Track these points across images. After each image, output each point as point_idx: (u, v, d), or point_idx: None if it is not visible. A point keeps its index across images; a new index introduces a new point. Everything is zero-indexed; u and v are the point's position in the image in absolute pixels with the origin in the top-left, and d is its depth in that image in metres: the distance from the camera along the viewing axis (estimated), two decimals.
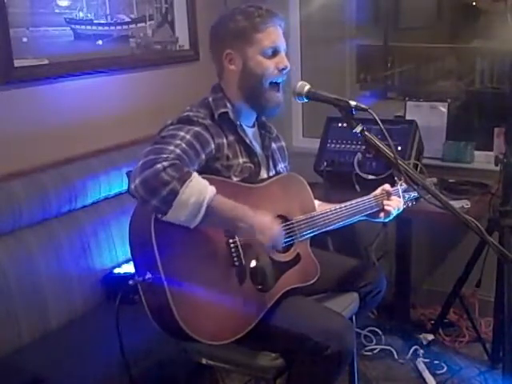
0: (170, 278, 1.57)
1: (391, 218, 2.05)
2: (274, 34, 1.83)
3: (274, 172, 2.00)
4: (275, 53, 1.84)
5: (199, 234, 1.62)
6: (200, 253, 1.64)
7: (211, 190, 1.57)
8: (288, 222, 1.85)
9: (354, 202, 2.00)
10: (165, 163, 1.53)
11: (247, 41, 1.81)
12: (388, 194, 2.06)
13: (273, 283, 1.79)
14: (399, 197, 2.08)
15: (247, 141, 1.87)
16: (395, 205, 2.04)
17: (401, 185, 2.09)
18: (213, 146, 1.75)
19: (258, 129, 1.99)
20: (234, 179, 1.80)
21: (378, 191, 2.07)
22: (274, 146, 2.03)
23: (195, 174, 1.57)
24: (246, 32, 1.81)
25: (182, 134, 1.68)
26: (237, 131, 1.85)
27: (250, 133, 1.92)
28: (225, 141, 1.80)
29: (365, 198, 2.03)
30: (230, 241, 1.70)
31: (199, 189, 1.55)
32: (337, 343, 1.69)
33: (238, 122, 1.86)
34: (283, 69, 1.84)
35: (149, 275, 1.58)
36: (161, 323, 1.66)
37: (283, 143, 2.11)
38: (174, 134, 1.67)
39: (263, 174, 1.93)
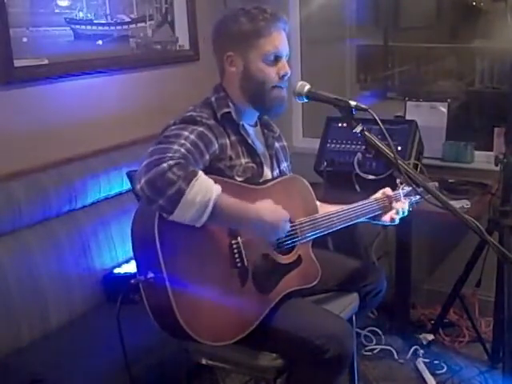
0: (172, 277, 1.56)
1: (396, 223, 2.04)
2: (277, 39, 1.81)
3: (277, 171, 1.99)
4: (277, 59, 1.82)
5: (202, 235, 1.61)
6: (202, 253, 1.63)
7: (217, 189, 1.57)
8: (291, 224, 1.83)
9: (356, 205, 1.99)
10: (170, 162, 1.52)
11: (250, 44, 1.80)
12: (389, 198, 2.05)
13: (274, 285, 1.78)
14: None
15: (249, 141, 1.86)
16: (400, 208, 2.02)
17: (402, 188, 2.08)
18: (216, 146, 1.75)
19: (261, 128, 1.98)
20: (238, 179, 1.80)
21: (379, 195, 2.06)
22: (277, 145, 2.02)
23: (201, 173, 1.56)
24: (249, 36, 1.79)
25: (186, 133, 1.67)
26: (239, 131, 1.84)
27: (253, 132, 1.92)
28: (227, 141, 1.79)
29: (366, 201, 2.02)
30: (233, 242, 1.69)
31: (205, 187, 1.54)
32: (336, 347, 1.69)
33: (241, 122, 1.85)
34: (284, 75, 1.83)
35: (151, 274, 1.57)
36: (162, 323, 1.66)
37: (285, 143, 2.11)
38: (178, 134, 1.66)
39: (267, 174, 1.92)
